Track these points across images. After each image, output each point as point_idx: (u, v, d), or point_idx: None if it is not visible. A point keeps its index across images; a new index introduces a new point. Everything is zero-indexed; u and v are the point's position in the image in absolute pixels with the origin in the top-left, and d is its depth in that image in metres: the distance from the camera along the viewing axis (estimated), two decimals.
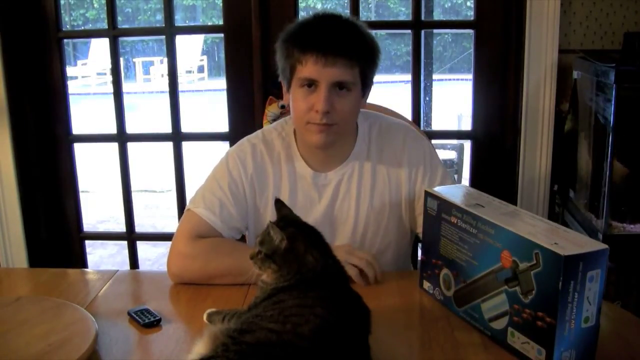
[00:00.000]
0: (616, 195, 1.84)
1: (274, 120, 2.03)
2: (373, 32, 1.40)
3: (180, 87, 2.47)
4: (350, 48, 1.33)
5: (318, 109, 1.32)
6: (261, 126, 2.07)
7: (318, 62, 1.30)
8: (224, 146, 2.39)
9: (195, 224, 1.40)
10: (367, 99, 1.47)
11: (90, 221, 4.47)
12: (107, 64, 4.65)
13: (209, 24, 11.14)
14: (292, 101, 1.39)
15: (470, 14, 2.31)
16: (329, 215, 1.47)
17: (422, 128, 2.15)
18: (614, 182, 1.83)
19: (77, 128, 2.47)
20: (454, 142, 4.09)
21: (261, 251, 1.03)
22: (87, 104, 8.58)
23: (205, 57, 11.46)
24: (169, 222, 4.49)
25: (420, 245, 1.57)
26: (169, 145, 2.42)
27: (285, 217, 1.09)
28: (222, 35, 2.31)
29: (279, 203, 1.13)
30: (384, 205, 1.47)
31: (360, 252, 1.36)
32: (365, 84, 1.40)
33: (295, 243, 1.01)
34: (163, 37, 2.32)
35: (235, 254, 1.32)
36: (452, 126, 7.00)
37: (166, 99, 2.38)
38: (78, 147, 2.51)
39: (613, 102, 1.76)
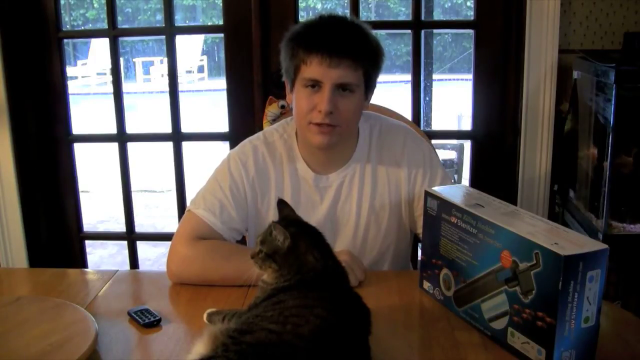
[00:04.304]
0: (616, 195, 1.84)
1: (274, 120, 2.03)
2: (373, 32, 1.40)
3: (180, 87, 2.47)
4: (355, 50, 1.33)
5: (321, 109, 1.32)
6: (261, 126, 2.07)
7: (323, 62, 1.30)
8: (224, 146, 2.39)
9: (195, 225, 1.40)
10: (370, 101, 1.47)
11: (90, 221, 4.47)
12: (107, 64, 4.64)
13: (209, 24, 11.14)
14: (295, 101, 1.39)
15: (470, 14, 2.31)
16: (330, 217, 1.47)
17: (422, 128, 2.15)
18: (619, 174, 1.82)
19: (77, 128, 2.47)
20: (454, 142, 4.09)
21: (262, 250, 1.03)
22: (87, 104, 8.57)
23: (205, 57, 11.46)
24: (169, 222, 4.49)
25: (420, 245, 1.57)
26: (169, 145, 2.42)
27: (287, 217, 1.09)
28: (222, 35, 2.30)
29: (281, 203, 1.13)
30: (384, 206, 1.47)
31: (342, 254, 1.29)
32: (369, 86, 1.40)
33: (296, 243, 1.01)
34: (163, 37, 2.33)
35: (233, 258, 1.32)
36: (452, 126, 7.00)
37: (166, 99, 2.38)
38: (78, 147, 2.51)
39: (613, 102, 1.75)
